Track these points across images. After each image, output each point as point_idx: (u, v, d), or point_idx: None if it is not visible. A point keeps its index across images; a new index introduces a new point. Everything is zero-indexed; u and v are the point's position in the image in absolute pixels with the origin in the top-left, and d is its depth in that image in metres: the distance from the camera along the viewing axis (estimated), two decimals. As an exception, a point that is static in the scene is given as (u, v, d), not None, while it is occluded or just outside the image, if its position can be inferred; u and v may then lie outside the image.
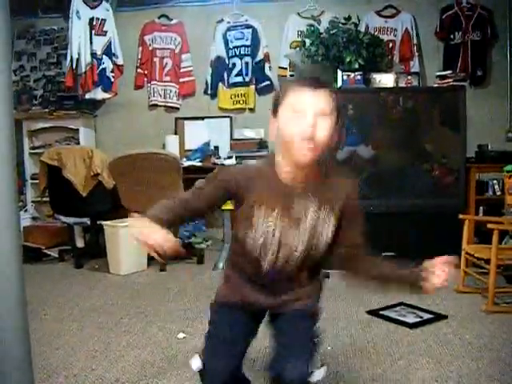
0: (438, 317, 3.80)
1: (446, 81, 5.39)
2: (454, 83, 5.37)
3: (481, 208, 5.57)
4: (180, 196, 2.08)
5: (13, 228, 1.60)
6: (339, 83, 5.46)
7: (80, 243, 6.25)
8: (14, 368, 1.58)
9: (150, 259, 5.51)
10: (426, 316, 3.81)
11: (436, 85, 5.48)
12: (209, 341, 1.98)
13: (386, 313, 3.89)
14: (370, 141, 5.34)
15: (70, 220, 6.05)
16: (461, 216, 4.49)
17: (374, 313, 3.91)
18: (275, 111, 1.88)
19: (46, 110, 7.08)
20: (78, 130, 7.00)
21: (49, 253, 6.03)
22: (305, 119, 1.75)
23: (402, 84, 5.51)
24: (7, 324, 1.56)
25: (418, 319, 3.75)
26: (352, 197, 2.02)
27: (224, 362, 1.88)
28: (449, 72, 5.53)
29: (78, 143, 6.93)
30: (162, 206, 1.95)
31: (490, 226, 3.92)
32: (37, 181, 6.49)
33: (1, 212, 1.56)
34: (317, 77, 1.89)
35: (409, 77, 5.64)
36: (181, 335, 3.54)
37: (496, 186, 5.54)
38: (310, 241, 1.91)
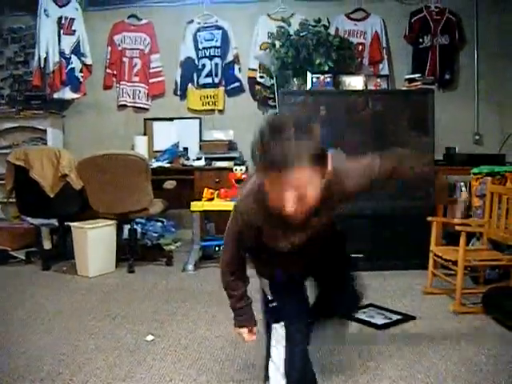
0: (407, 318, 3.82)
1: (414, 84, 5.44)
2: (423, 86, 5.42)
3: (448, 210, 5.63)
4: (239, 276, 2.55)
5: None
6: (309, 85, 5.47)
7: (47, 245, 6.16)
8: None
9: (118, 260, 5.47)
10: (395, 317, 3.83)
11: (405, 88, 5.53)
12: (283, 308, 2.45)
13: (355, 314, 3.90)
14: (339, 143, 5.35)
15: (37, 221, 5.97)
16: (429, 218, 4.53)
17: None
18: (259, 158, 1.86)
19: (13, 109, 6.97)
20: (45, 130, 6.91)
21: (15, 255, 5.94)
22: (287, 192, 1.75)
23: (371, 87, 5.55)
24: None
25: (387, 320, 3.77)
26: (347, 186, 2.18)
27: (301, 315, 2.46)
28: (417, 75, 5.58)
29: (46, 144, 6.84)
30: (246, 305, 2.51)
31: (458, 228, 3.97)
32: (3, 181, 6.38)
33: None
34: (291, 153, 1.75)
35: (378, 79, 5.69)
36: (149, 337, 3.51)
37: (463, 189, 5.59)
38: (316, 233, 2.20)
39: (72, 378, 2.92)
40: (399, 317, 3.84)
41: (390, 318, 3.81)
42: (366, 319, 3.78)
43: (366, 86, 5.50)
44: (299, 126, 1.81)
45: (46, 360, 3.18)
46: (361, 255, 5.19)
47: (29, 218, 6.01)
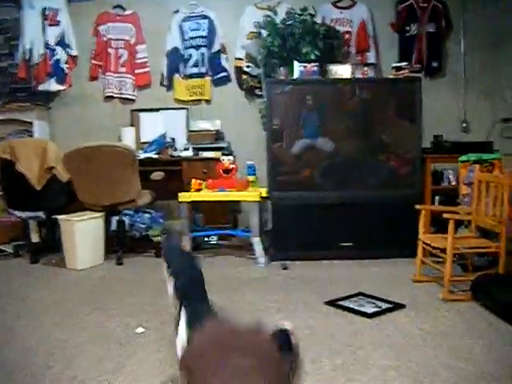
0: (396, 306, 3.83)
1: (401, 72, 5.42)
2: (410, 74, 5.41)
3: (436, 198, 5.64)
4: None
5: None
6: (296, 74, 5.45)
7: (35, 238, 6.12)
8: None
9: (107, 253, 5.45)
10: (384, 306, 3.84)
11: (392, 76, 5.51)
12: None
13: (344, 303, 3.91)
14: (327, 132, 5.35)
15: (25, 214, 5.93)
16: (417, 206, 4.54)
17: (332, 303, 3.93)
18: None
19: (-1, 102, 6.91)
20: (31, 122, 6.83)
21: (3, 248, 5.90)
22: None
23: (358, 75, 5.53)
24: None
25: (377, 309, 3.78)
26: None
27: None
28: (404, 63, 5.57)
29: (32, 136, 6.78)
30: None
31: (445, 215, 3.98)
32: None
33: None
34: None
35: (365, 68, 5.67)
36: (139, 330, 3.51)
37: (451, 176, 5.61)
38: None
39: (63, 372, 2.92)
40: (389, 305, 3.85)
41: (380, 307, 3.83)
42: (356, 308, 3.80)
43: (353, 74, 5.48)
44: None
45: (37, 354, 3.17)
46: (350, 244, 5.22)
47: (16, 212, 5.97)
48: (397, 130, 5.34)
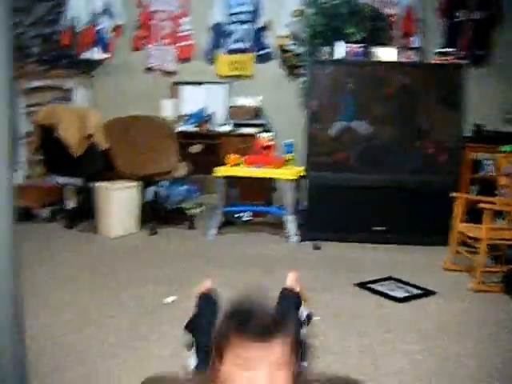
0: (426, 292, 3.82)
1: (446, 58, 5.35)
2: (454, 61, 5.33)
3: (473, 187, 5.58)
4: None
5: (5, 186, 1.58)
6: (339, 55, 5.40)
7: (72, 204, 6.21)
8: (7, 323, 1.59)
9: (141, 222, 5.51)
10: (415, 291, 3.84)
11: (436, 62, 5.44)
12: None
13: (375, 286, 3.91)
14: (366, 115, 5.31)
15: (62, 180, 6.02)
16: (453, 194, 4.50)
17: (362, 285, 3.93)
18: (217, 352, 1.45)
19: (42, 68, 6.98)
20: (72, 89, 6.93)
21: (40, 212, 6.00)
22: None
23: (402, 59, 5.46)
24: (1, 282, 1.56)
25: (407, 294, 3.78)
26: None
27: None
28: (450, 49, 5.49)
29: (73, 103, 6.86)
30: None
31: (482, 205, 3.94)
32: (30, 140, 6.44)
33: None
34: (267, 320, 1.42)
35: (409, 52, 5.60)
36: (170, 299, 3.55)
37: (490, 166, 5.54)
38: None
39: (92, 335, 2.98)
40: (419, 291, 3.84)
41: (410, 292, 3.82)
42: (386, 292, 3.80)
43: (397, 58, 5.41)
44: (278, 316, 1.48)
45: (68, 316, 3.25)
46: (382, 228, 5.20)
47: (54, 177, 6.06)
48: (437, 117, 5.27)
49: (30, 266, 4.13)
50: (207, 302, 2.36)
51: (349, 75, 5.26)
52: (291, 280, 2.55)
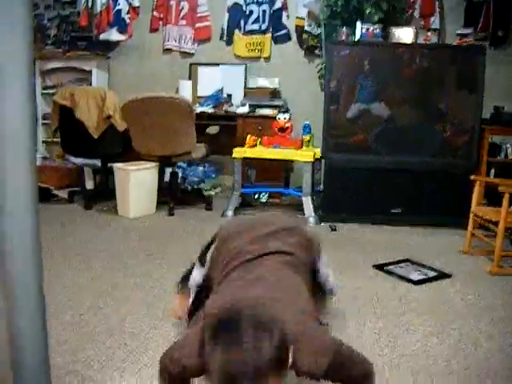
0: (443, 275, 3.82)
1: (465, 39, 5.29)
2: (474, 42, 5.28)
3: (492, 170, 5.53)
4: None
5: (29, 167, 1.60)
6: (357, 36, 5.37)
7: (90, 185, 6.26)
8: (27, 300, 1.62)
9: (159, 203, 5.54)
10: (431, 274, 3.84)
11: (455, 43, 5.38)
12: None
13: (391, 268, 3.92)
14: (384, 97, 5.28)
15: (81, 161, 6.06)
16: (472, 177, 4.48)
17: (379, 267, 3.94)
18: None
19: (60, 50, 7.01)
20: (90, 71, 6.95)
21: (58, 193, 6.05)
22: None
23: (420, 40, 5.41)
24: (21, 257, 1.58)
25: (423, 276, 3.78)
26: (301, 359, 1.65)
27: None
28: (469, 31, 5.44)
29: (91, 85, 6.89)
30: None
31: (501, 188, 3.91)
32: (48, 121, 6.48)
33: (17, 151, 1.56)
34: (249, 366, 1.41)
35: (428, 33, 5.54)
36: (187, 280, 3.58)
37: (509, 150, 5.49)
38: None
39: (111, 314, 3.02)
40: (435, 274, 3.85)
41: (426, 275, 3.82)
42: (402, 274, 3.80)
43: (415, 39, 5.36)
44: (258, 322, 1.47)
45: (87, 296, 3.28)
46: (400, 210, 5.19)
47: (72, 158, 6.10)
48: (456, 99, 5.23)
49: (49, 247, 4.18)
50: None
51: (367, 57, 5.23)
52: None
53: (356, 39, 5.35)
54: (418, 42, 5.37)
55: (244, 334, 1.43)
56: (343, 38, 5.48)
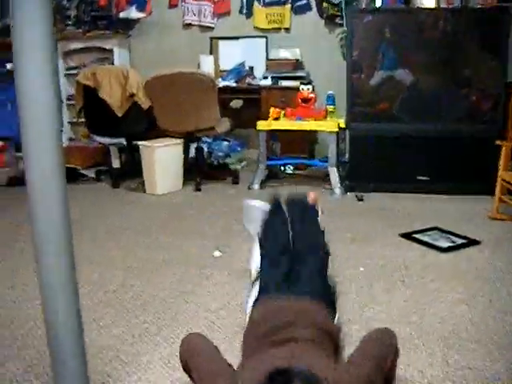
0: (471, 242, 3.81)
1: (489, 1, 5.19)
2: (498, 4, 5.17)
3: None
4: None
5: (55, 148, 1.63)
6: (378, 3, 5.30)
7: (116, 164, 6.30)
8: (58, 277, 1.65)
9: (185, 179, 5.57)
10: (459, 241, 3.83)
11: (479, 5, 5.28)
12: None
13: (419, 236, 3.92)
14: (407, 64, 5.22)
15: (106, 140, 6.10)
16: (498, 142, 4.43)
17: (407, 236, 3.94)
18: None
19: (80, 30, 7.00)
20: (112, 50, 6.95)
21: (86, 173, 6.10)
22: None
23: (443, 4, 5.32)
24: (53, 239, 1.62)
25: (451, 244, 3.77)
26: None
27: None
28: (493, -8, 5.32)
29: (113, 64, 6.89)
30: None
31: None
32: (72, 102, 6.51)
33: (44, 131, 1.59)
34: None
35: (451, -4, 5.45)
36: (217, 253, 3.62)
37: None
38: None
39: (143, 290, 3.07)
40: (464, 241, 3.83)
41: (455, 242, 3.81)
42: (431, 242, 3.80)
43: (437, 3, 5.28)
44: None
45: (118, 272, 3.34)
46: (426, 177, 5.16)
47: (98, 138, 6.14)
48: (481, 63, 5.15)
49: (78, 226, 4.24)
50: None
51: (388, 23, 5.16)
52: (311, 198, 2.56)
53: (377, 6, 5.29)
54: (441, 6, 5.28)
55: None
56: (364, 5, 5.43)
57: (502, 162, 4.32)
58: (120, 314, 2.77)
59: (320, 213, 2.47)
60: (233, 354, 1.91)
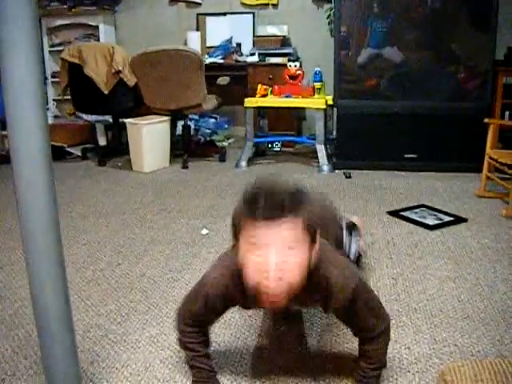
0: (458, 220, 3.82)
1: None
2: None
3: (506, 113, 5.46)
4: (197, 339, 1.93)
5: (41, 125, 1.61)
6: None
7: (102, 141, 6.27)
8: (45, 257, 1.64)
9: (172, 157, 5.55)
10: (446, 218, 3.84)
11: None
12: None
13: (406, 214, 3.93)
14: (395, 41, 5.20)
15: (92, 118, 6.06)
16: (486, 120, 4.43)
17: (394, 213, 3.95)
18: (235, 236, 1.62)
19: (65, 6, 6.90)
20: (97, 26, 6.89)
21: (72, 151, 6.07)
22: (266, 261, 1.49)
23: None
24: (38, 216, 1.60)
25: (438, 221, 3.78)
26: (346, 306, 1.76)
27: None
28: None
29: (98, 40, 6.84)
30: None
31: (516, 130, 3.88)
32: (57, 79, 6.46)
33: (28, 109, 1.56)
34: (275, 200, 1.51)
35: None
36: (204, 231, 3.61)
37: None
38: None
39: (130, 269, 3.06)
40: (451, 218, 3.85)
41: (442, 219, 3.82)
42: (418, 219, 3.81)
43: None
44: (290, 190, 1.57)
45: (105, 251, 3.33)
46: (414, 155, 5.17)
47: (84, 115, 6.10)
48: (469, 41, 5.14)
49: (65, 205, 4.23)
50: None
51: (374, 1, 5.13)
52: (357, 221, 2.74)
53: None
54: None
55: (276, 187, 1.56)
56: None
57: (489, 140, 4.33)
58: (108, 293, 2.76)
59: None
60: (222, 329, 1.91)
